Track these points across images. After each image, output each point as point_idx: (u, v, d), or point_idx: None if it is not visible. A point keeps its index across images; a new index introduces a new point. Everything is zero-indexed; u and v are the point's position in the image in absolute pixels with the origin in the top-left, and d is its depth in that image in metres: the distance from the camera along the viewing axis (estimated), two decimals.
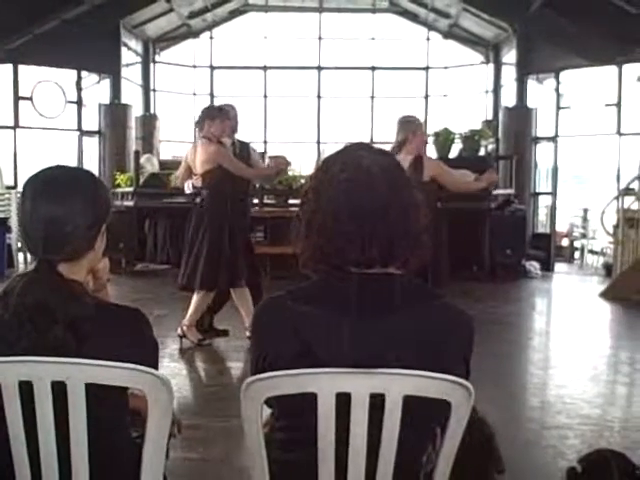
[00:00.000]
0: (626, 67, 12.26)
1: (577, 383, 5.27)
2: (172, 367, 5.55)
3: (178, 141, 14.63)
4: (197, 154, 6.02)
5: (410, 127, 5.41)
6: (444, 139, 10.69)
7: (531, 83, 13.16)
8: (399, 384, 1.52)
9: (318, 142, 14.61)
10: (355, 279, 1.60)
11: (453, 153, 10.87)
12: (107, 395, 1.64)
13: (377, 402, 1.52)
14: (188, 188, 6.12)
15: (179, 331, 6.12)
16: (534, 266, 11.13)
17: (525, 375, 5.62)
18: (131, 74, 13.61)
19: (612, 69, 12.41)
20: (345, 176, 1.63)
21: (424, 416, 1.61)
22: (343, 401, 1.52)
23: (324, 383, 1.52)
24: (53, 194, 1.70)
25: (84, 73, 12.78)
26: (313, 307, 1.60)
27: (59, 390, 1.58)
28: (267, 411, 1.74)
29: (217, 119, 6.01)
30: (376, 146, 1.76)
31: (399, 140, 5.40)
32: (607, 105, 12.56)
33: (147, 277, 10.60)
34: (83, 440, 1.61)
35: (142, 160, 11.76)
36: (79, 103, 12.76)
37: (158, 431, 1.65)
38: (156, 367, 1.70)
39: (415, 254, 1.66)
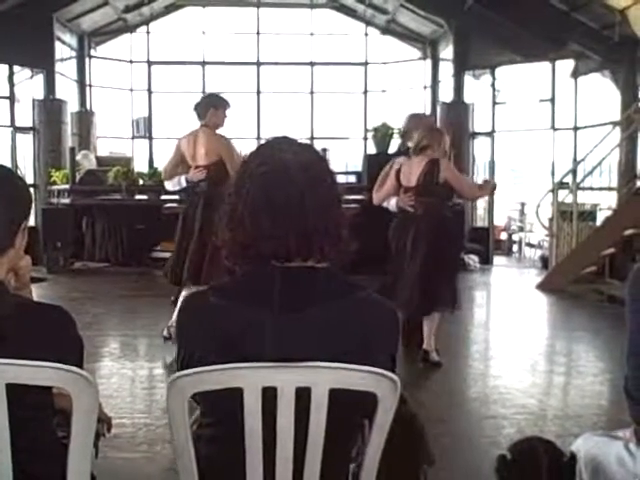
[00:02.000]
0: (559, 63, 12.54)
1: (514, 374, 5.37)
2: (110, 366, 5.48)
3: (115, 137, 14.45)
4: (198, 144, 5.66)
5: (436, 137, 5.43)
6: (383, 134, 10.74)
7: (468, 79, 13.34)
8: (325, 377, 1.52)
9: (258, 138, 14.55)
10: (277, 273, 1.60)
11: (392, 148, 10.94)
12: (30, 395, 1.60)
13: (303, 396, 1.52)
14: (179, 184, 5.76)
15: (165, 332, 5.76)
16: (473, 259, 11.29)
17: (463, 367, 5.70)
18: (66, 69, 13.34)
19: (546, 65, 12.68)
20: (263, 170, 1.64)
21: (351, 409, 1.61)
22: (269, 395, 1.52)
23: (250, 378, 1.51)
24: None
25: (16, 68, 12.48)
26: (236, 302, 1.60)
27: None
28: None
29: (221, 109, 5.73)
30: (299, 140, 1.76)
31: (423, 145, 5.36)
32: (541, 100, 12.83)
33: (85, 275, 10.43)
34: (5, 442, 1.57)
35: (78, 157, 11.57)
36: (11, 99, 12.46)
37: (83, 430, 1.62)
38: (81, 365, 1.66)
39: (335, 248, 1.66)
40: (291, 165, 1.63)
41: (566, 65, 12.47)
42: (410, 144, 5.76)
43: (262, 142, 1.76)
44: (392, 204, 5.47)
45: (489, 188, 5.92)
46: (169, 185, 5.89)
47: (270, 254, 1.61)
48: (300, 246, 1.61)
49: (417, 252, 5.27)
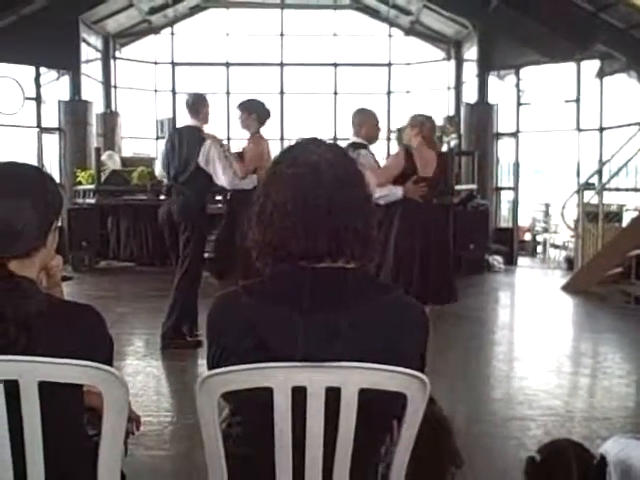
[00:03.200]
0: (585, 64, 12.44)
1: (539, 375, 5.33)
2: (135, 365, 5.51)
3: (139, 138, 14.53)
4: (266, 149, 5.98)
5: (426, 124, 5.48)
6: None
7: (492, 79, 13.28)
8: (354, 377, 1.52)
9: (281, 139, 14.58)
10: (308, 273, 1.61)
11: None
12: (61, 393, 1.61)
13: (333, 396, 1.52)
14: (253, 182, 5.80)
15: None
16: (497, 260, 11.24)
17: (488, 368, 5.67)
18: (91, 70, 13.46)
19: (571, 66, 12.58)
20: (292, 171, 1.65)
21: (381, 409, 1.61)
22: (299, 395, 1.52)
23: (280, 377, 1.51)
24: (1, 191, 1.67)
25: (43, 69, 12.62)
26: (267, 302, 1.60)
27: (11, 389, 1.55)
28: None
29: None
30: (329, 141, 1.76)
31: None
32: (566, 101, 12.73)
33: (110, 275, 10.51)
34: (38, 439, 1.58)
35: (103, 157, 11.65)
36: (38, 100, 12.58)
37: (114, 428, 1.63)
38: (111, 363, 1.68)
39: (365, 249, 1.66)
40: (320, 166, 1.64)
41: (591, 65, 12.37)
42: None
43: (292, 143, 1.76)
44: (398, 193, 5.36)
45: None
46: (245, 184, 5.87)
47: (300, 254, 1.62)
48: (330, 247, 1.61)
49: (428, 244, 5.23)
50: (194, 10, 14.53)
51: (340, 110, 14.78)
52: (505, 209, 13.54)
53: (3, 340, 1.56)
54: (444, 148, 11.56)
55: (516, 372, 5.51)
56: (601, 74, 12.21)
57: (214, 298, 1.70)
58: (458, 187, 10.89)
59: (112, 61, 14.17)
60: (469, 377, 5.32)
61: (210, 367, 1.63)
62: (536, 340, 6.63)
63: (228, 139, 14.11)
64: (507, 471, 3.33)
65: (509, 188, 13.04)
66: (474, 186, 11.57)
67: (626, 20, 10.96)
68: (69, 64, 12.51)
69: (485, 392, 5.08)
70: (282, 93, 14.77)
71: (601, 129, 12.34)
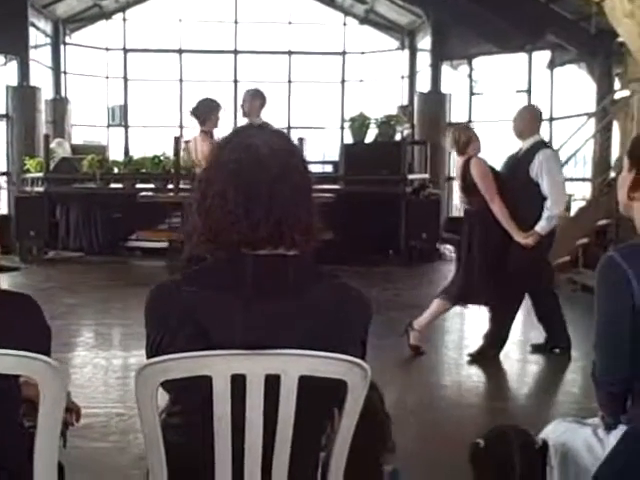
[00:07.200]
0: (536, 54, 12.59)
1: (486, 362, 5.38)
2: (84, 356, 5.46)
3: (90, 125, 14.33)
4: None
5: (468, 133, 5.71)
6: (360, 124, 10.75)
7: (445, 69, 13.36)
8: (295, 365, 1.52)
9: (235, 126, 14.48)
10: (248, 260, 1.59)
11: (369, 138, 10.95)
12: None
13: (274, 383, 1.51)
14: None
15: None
16: (449, 249, 11.33)
17: (437, 356, 5.72)
18: (40, 56, 13.20)
19: (522, 56, 12.72)
20: (234, 157, 1.63)
21: (321, 397, 1.60)
22: (239, 383, 1.51)
23: (218, 365, 1.50)
24: None
25: None
26: (206, 290, 1.59)
27: None
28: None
29: None
30: (271, 127, 1.75)
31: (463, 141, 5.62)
32: (518, 91, 12.87)
33: (59, 265, 10.34)
34: None
35: (53, 145, 11.46)
36: None
37: (50, 419, 1.60)
38: (48, 354, 1.65)
39: (306, 237, 1.65)
40: (262, 152, 1.62)
41: (542, 56, 12.53)
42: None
43: (234, 130, 1.74)
44: None
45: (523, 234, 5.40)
46: None
47: (240, 241, 1.60)
48: (271, 234, 1.60)
49: (472, 247, 5.41)
50: None
51: (294, 99, 14.75)
52: (457, 198, 13.65)
53: None
54: (397, 137, 11.58)
55: (464, 359, 5.56)
56: (552, 65, 12.36)
57: (152, 288, 1.67)
58: (411, 176, 10.93)
59: (62, 46, 13.89)
60: (419, 365, 5.36)
61: (149, 356, 1.61)
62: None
63: (181, 127, 14.00)
64: (455, 456, 3.36)
65: None
66: (426, 175, 11.63)
67: (577, 12, 11.10)
68: (17, 49, 12.23)
69: (433, 379, 5.12)
70: (236, 81, 14.66)
71: (551, 119, 12.49)
